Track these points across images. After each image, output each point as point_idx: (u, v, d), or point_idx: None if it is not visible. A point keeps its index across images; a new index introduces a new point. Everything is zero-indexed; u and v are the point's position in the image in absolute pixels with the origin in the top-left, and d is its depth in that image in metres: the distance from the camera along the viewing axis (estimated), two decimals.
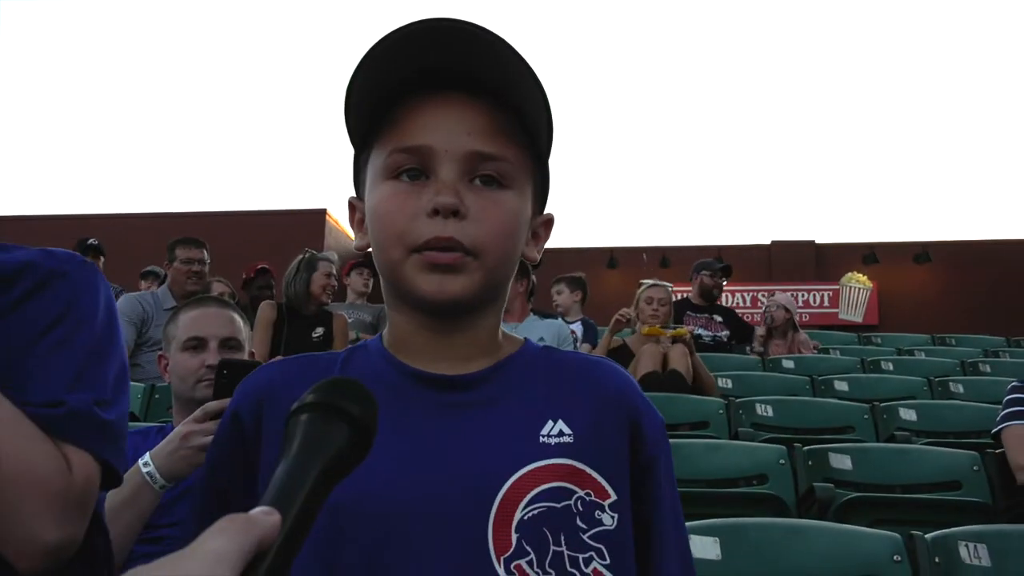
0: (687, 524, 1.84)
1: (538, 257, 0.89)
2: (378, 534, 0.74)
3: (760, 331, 5.89)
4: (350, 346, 0.90)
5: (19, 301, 0.89)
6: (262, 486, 0.76)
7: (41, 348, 0.88)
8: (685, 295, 6.21)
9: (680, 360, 4.05)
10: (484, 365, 0.83)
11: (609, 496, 0.78)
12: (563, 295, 5.73)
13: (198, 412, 1.45)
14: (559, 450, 0.78)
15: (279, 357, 4.15)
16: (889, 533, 1.85)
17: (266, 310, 4.37)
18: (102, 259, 5.78)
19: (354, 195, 0.87)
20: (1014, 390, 2.70)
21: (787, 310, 5.89)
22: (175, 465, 1.43)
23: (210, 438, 1.41)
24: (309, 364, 0.86)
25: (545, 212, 0.89)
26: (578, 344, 5.19)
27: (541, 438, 0.78)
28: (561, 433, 0.79)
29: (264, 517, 0.44)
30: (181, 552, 0.42)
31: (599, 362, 0.89)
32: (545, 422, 0.80)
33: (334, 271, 4.52)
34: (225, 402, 1.44)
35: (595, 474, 0.78)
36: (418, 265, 0.77)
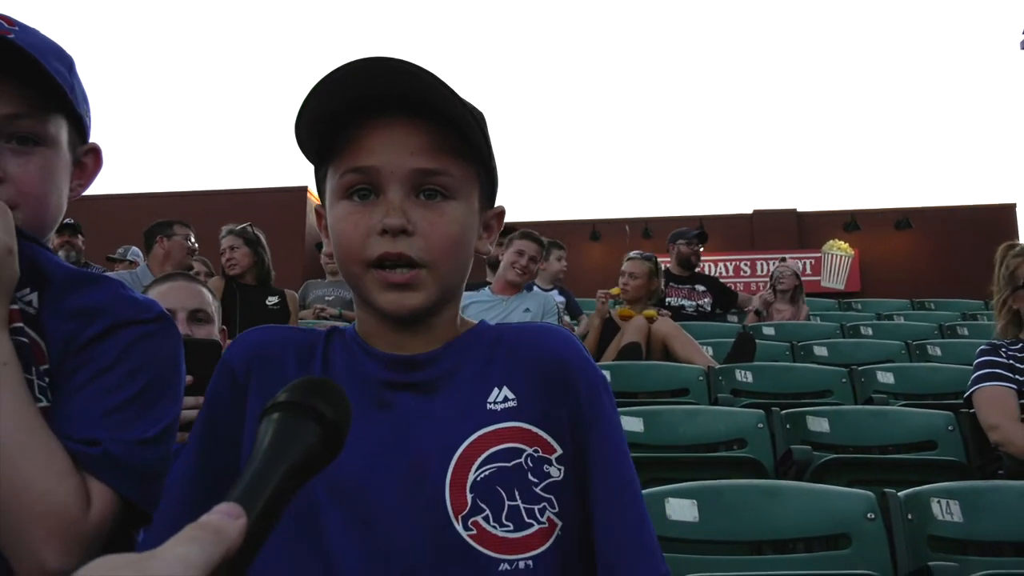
0: (665, 488, 1.87)
1: (492, 250, 0.97)
2: (353, 502, 0.82)
3: (765, 294, 5.95)
4: (332, 324, 0.99)
5: (91, 341, 0.95)
6: (247, 441, 0.85)
7: (93, 388, 0.93)
8: (667, 266, 6.22)
9: (667, 329, 4.13)
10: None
11: (555, 451, 0.86)
12: (562, 261, 5.63)
13: None
14: (506, 415, 0.87)
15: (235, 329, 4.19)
16: (863, 492, 1.88)
17: (214, 282, 4.50)
18: (80, 238, 5.72)
19: (319, 204, 0.95)
20: (983, 353, 2.73)
21: (797, 276, 6.07)
22: None
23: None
24: (299, 333, 0.94)
25: (496, 205, 0.97)
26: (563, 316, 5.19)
27: (488, 405, 0.87)
28: (506, 399, 0.88)
29: (231, 523, 0.46)
30: (150, 552, 0.43)
31: (545, 328, 0.97)
32: (491, 390, 0.88)
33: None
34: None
35: (540, 432, 0.87)
36: (376, 282, 0.86)
